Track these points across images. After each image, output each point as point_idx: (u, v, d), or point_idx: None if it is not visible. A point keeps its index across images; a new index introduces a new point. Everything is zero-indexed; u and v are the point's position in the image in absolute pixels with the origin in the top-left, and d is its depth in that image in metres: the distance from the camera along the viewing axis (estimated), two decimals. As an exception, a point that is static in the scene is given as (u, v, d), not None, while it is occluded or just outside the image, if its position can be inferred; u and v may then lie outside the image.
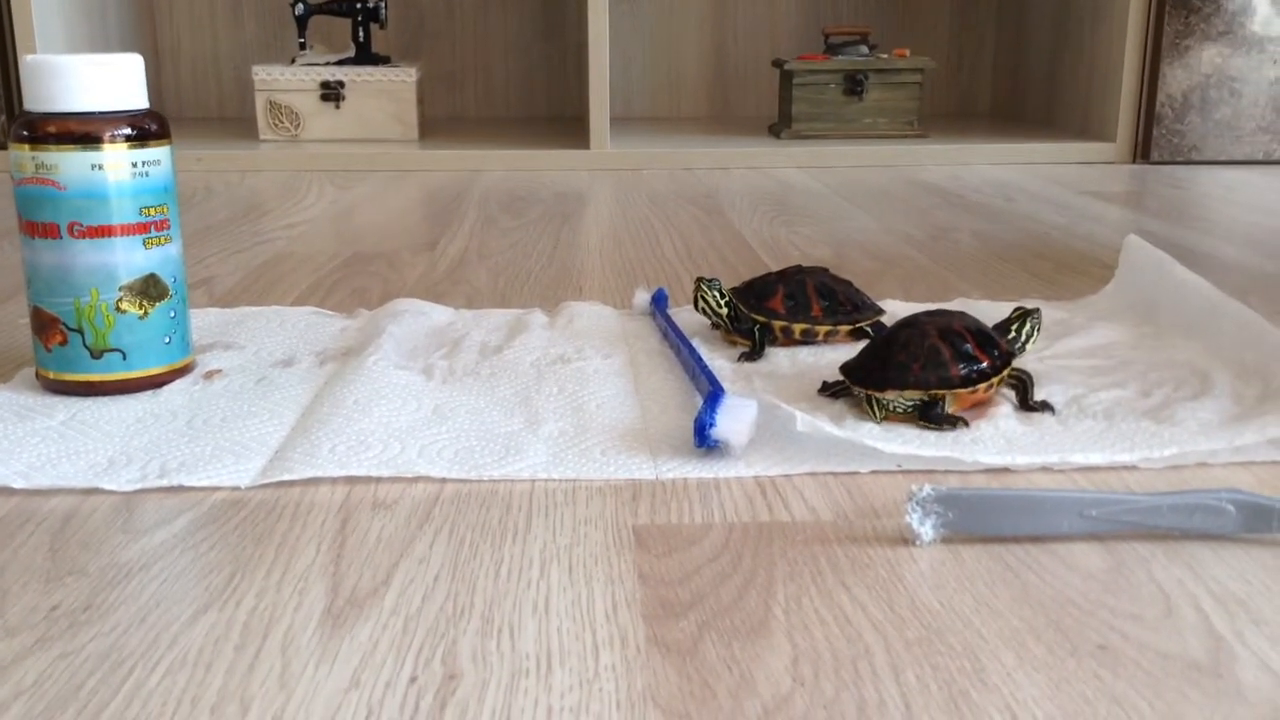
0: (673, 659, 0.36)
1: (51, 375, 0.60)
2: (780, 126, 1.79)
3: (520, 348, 0.68)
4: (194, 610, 0.39)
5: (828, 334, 0.68)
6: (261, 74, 1.68)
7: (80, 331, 0.59)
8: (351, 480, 0.50)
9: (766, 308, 0.67)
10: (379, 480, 0.50)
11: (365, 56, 1.74)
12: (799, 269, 0.71)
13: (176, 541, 0.44)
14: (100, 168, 0.58)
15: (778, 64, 1.77)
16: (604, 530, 0.45)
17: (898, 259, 0.99)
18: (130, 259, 0.59)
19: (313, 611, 0.38)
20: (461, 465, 0.51)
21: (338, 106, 1.69)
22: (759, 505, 0.48)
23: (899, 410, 0.56)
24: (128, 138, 0.58)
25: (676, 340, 0.66)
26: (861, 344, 0.69)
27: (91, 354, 0.59)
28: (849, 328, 0.69)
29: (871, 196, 1.35)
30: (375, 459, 0.51)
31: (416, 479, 0.50)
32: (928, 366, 0.55)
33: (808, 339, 0.68)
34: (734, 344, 0.69)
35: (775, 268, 0.96)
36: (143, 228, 0.59)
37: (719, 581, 0.41)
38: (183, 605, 0.39)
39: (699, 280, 0.69)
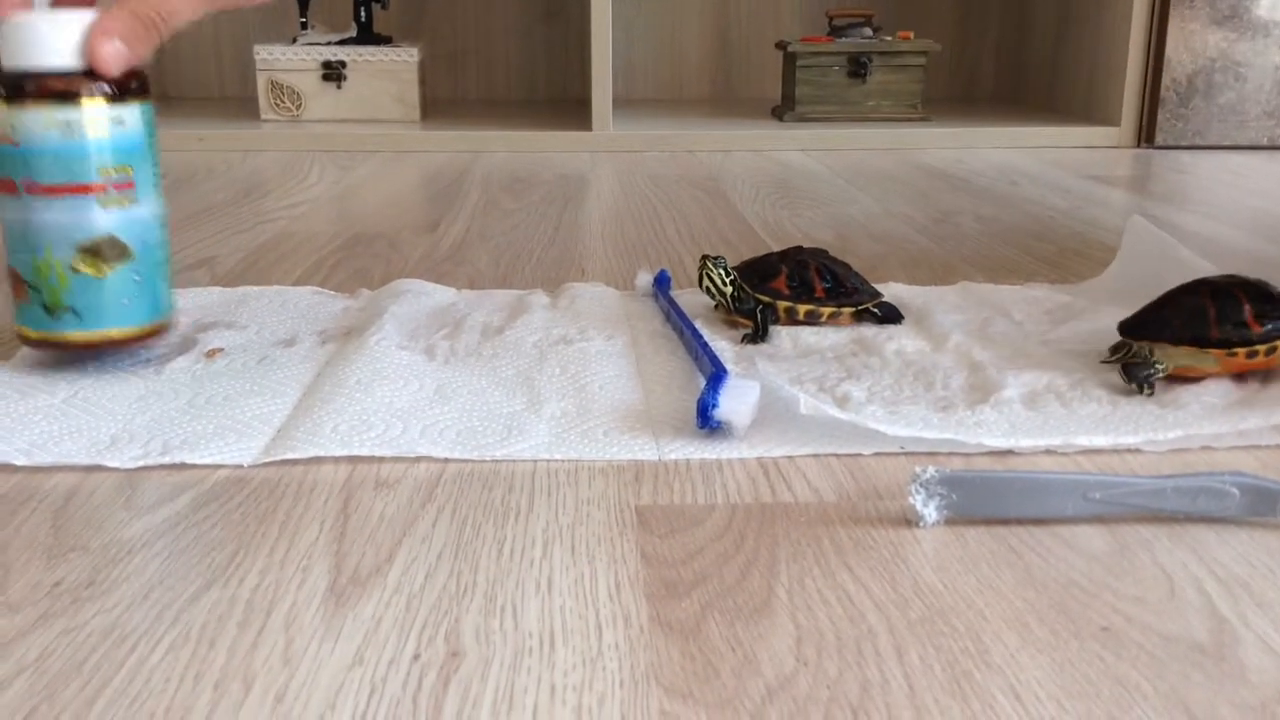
0: (676, 638, 0.36)
1: (19, 329, 0.60)
2: (783, 109, 1.78)
3: (522, 328, 0.67)
4: (197, 587, 0.39)
5: (831, 315, 0.68)
6: (263, 54, 1.67)
7: (37, 289, 0.58)
8: (354, 459, 0.50)
9: (770, 288, 0.67)
10: (381, 460, 0.50)
11: (367, 36, 1.73)
12: (800, 250, 0.71)
13: (179, 519, 0.44)
14: (52, 126, 0.56)
15: (781, 46, 1.76)
16: (607, 510, 0.45)
17: (901, 242, 0.99)
18: (85, 219, 0.58)
19: (316, 589, 0.38)
20: (464, 445, 0.51)
21: (339, 86, 1.69)
22: (762, 486, 0.48)
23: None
24: (79, 95, 0.57)
25: (679, 321, 0.66)
26: (863, 326, 0.69)
27: (47, 311, 0.59)
28: (852, 309, 0.68)
29: (874, 179, 1.35)
30: (378, 438, 0.51)
31: (420, 458, 0.50)
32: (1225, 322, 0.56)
33: (811, 320, 0.68)
34: (735, 325, 0.69)
35: (778, 250, 0.95)
36: (99, 187, 0.58)
37: (722, 562, 0.41)
38: (186, 582, 0.39)
39: (704, 258, 0.68)
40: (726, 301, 0.68)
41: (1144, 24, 1.63)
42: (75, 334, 0.59)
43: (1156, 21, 1.63)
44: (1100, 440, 0.51)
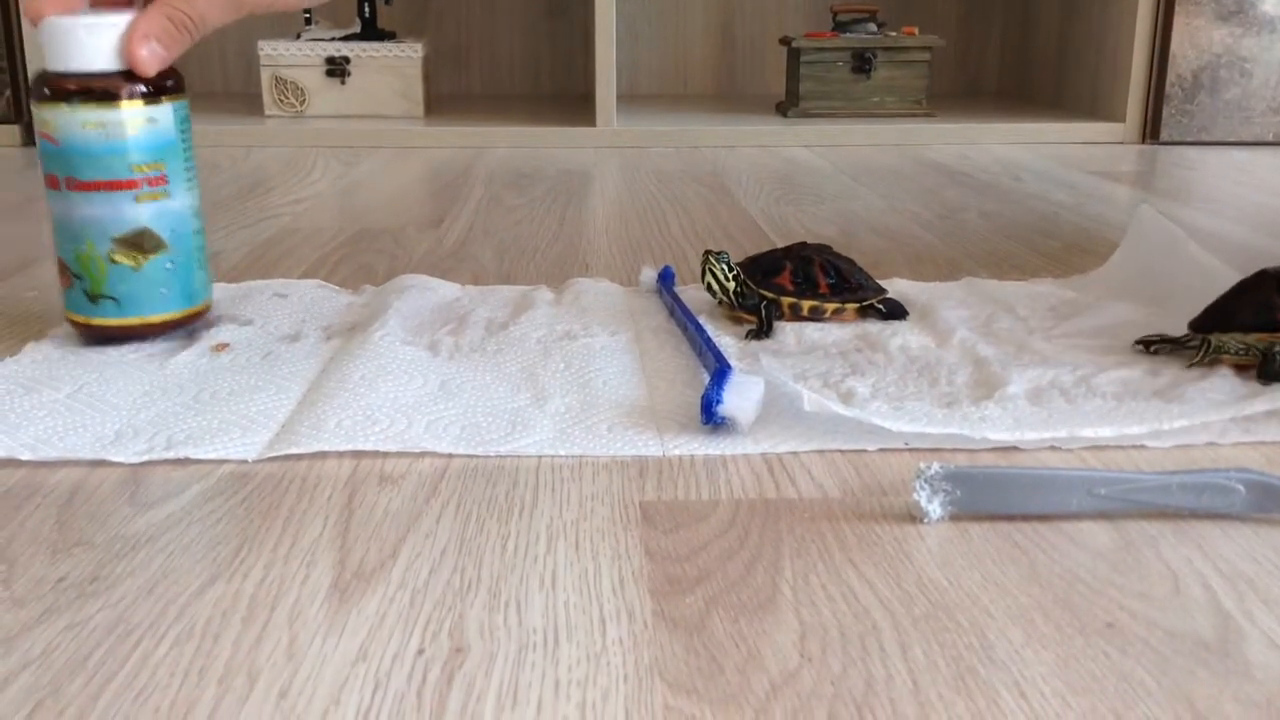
0: (680, 634, 0.36)
1: (66, 313, 0.64)
2: (788, 105, 1.78)
3: (526, 324, 0.67)
4: (201, 582, 0.39)
5: (835, 311, 0.68)
6: (267, 49, 1.67)
7: (80, 277, 0.62)
8: (358, 455, 0.50)
9: (775, 284, 0.67)
10: (385, 455, 0.50)
11: (371, 32, 1.73)
12: (804, 246, 0.71)
13: (184, 514, 0.44)
14: (87, 125, 0.60)
15: (785, 42, 1.76)
16: (611, 506, 0.45)
17: (905, 238, 0.99)
18: (120, 213, 0.61)
19: (320, 584, 0.38)
20: (468, 441, 0.51)
21: (343, 82, 1.68)
22: (766, 482, 0.48)
23: (1232, 352, 0.57)
24: (115, 96, 0.60)
25: (683, 317, 0.66)
26: (868, 322, 0.69)
27: (89, 298, 0.63)
28: (856, 305, 0.68)
29: (879, 175, 1.35)
30: (382, 434, 0.51)
31: (423, 454, 0.50)
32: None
33: (815, 316, 0.68)
34: (739, 321, 0.69)
35: (782, 246, 0.95)
36: (133, 183, 0.61)
37: (726, 558, 0.41)
38: (190, 577, 0.39)
39: (707, 253, 0.68)
40: (730, 298, 0.68)
41: (1149, 20, 1.62)
42: (115, 320, 0.63)
43: (1161, 17, 1.62)
44: (1105, 432, 0.51)
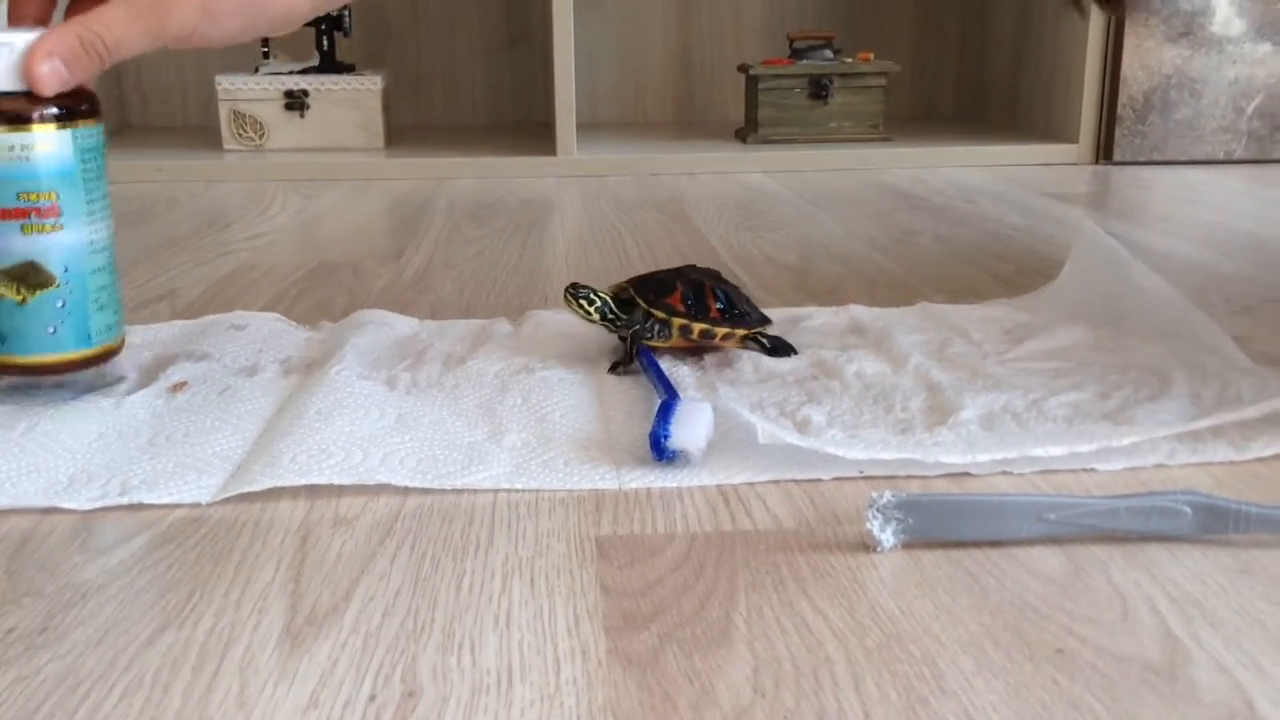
0: (634, 672, 0.36)
1: None
2: (746, 131, 1.79)
3: (484, 358, 0.67)
4: (151, 631, 0.38)
5: (724, 336, 0.67)
6: (224, 83, 1.67)
7: None
8: (313, 496, 0.50)
9: (667, 304, 0.66)
10: (340, 496, 0.50)
11: (330, 65, 1.73)
12: (694, 268, 0.71)
13: (135, 561, 0.44)
14: None
15: (743, 69, 1.78)
16: (566, 542, 0.45)
17: (862, 263, 1.00)
18: (6, 244, 0.57)
19: (271, 630, 0.38)
20: (424, 474, 0.51)
21: (302, 115, 1.68)
22: (722, 514, 0.48)
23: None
24: (1, 119, 0.56)
25: (639, 349, 0.66)
26: (748, 352, 0.68)
27: None
28: (744, 333, 0.68)
29: (837, 200, 1.36)
30: (337, 466, 0.51)
31: (379, 493, 0.50)
32: None
33: (705, 339, 0.67)
34: (653, 349, 0.67)
35: (743, 274, 0.96)
36: (20, 213, 0.57)
37: (681, 592, 0.41)
38: (140, 626, 0.39)
39: (567, 290, 0.67)
40: (608, 324, 0.67)
41: (1100, 42, 1.65)
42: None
43: (1112, 39, 1.65)
44: (1055, 450, 0.51)
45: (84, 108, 0.59)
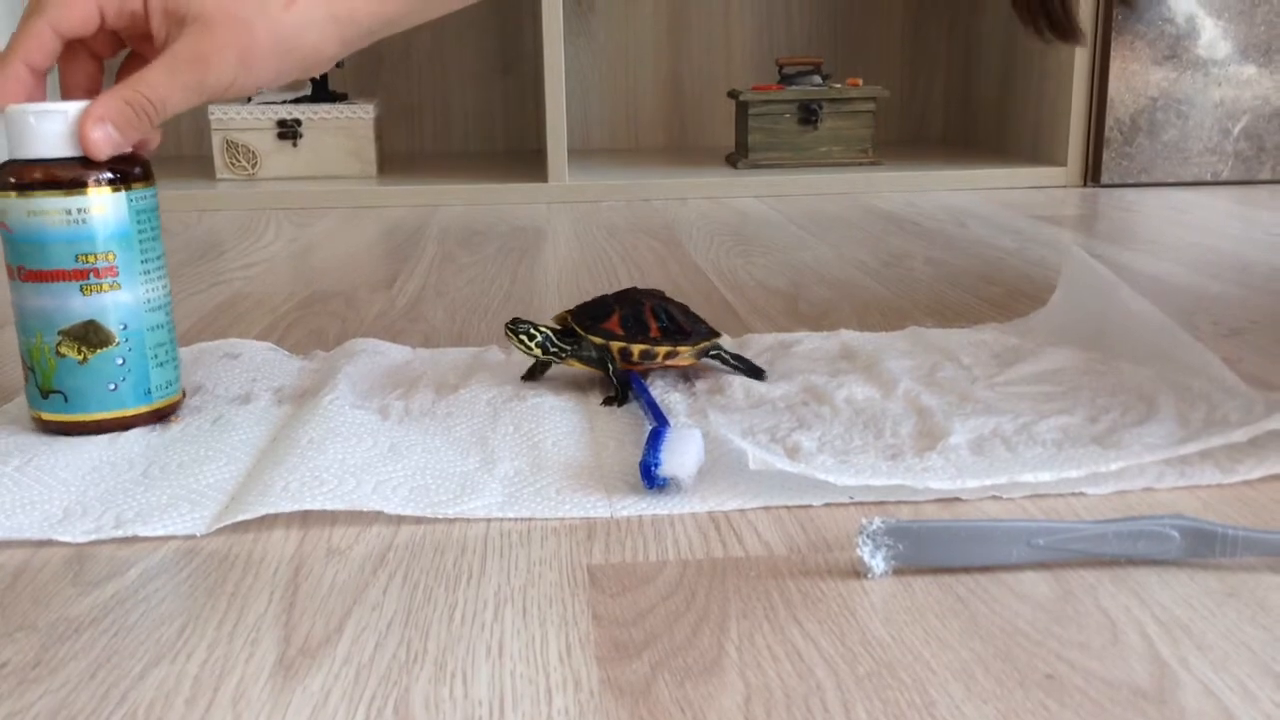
0: (626, 701, 0.36)
1: (30, 408, 0.62)
2: (737, 156, 1.80)
3: (476, 386, 0.68)
4: (144, 664, 0.38)
5: (668, 355, 0.67)
6: (217, 113, 1.68)
7: (33, 370, 0.61)
8: (306, 526, 0.50)
9: (604, 329, 0.66)
10: (333, 526, 0.50)
11: (322, 94, 1.74)
12: (635, 290, 0.71)
13: (128, 594, 0.44)
14: (33, 214, 0.59)
15: (733, 95, 1.79)
16: (559, 571, 0.45)
17: (853, 287, 1.00)
18: (66, 305, 0.59)
19: (264, 663, 0.38)
20: (417, 502, 0.51)
21: (295, 144, 1.69)
22: (713, 541, 0.48)
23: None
24: (62, 184, 0.58)
25: (631, 376, 0.67)
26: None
27: (40, 393, 0.61)
28: (690, 348, 0.68)
29: (827, 224, 1.36)
30: (329, 494, 0.51)
31: (372, 523, 0.50)
32: None
33: (646, 359, 0.67)
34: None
35: (733, 300, 0.97)
36: (79, 274, 0.59)
37: (673, 620, 0.41)
38: (133, 660, 0.39)
39: (506, 327, 0.67)
40: (552, 357, 0.67)
41: (1087, 65, 1.67)
42: (63, 416, 0.61)
43: (1099, 62, 1.66)
44: (1044, 476, 0.52)
45: (137, 171, 0.61)
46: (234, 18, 0.59)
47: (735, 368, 0.70)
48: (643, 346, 0.66)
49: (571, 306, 0.70)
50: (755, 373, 0.70)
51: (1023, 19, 0.66)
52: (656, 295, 0.71)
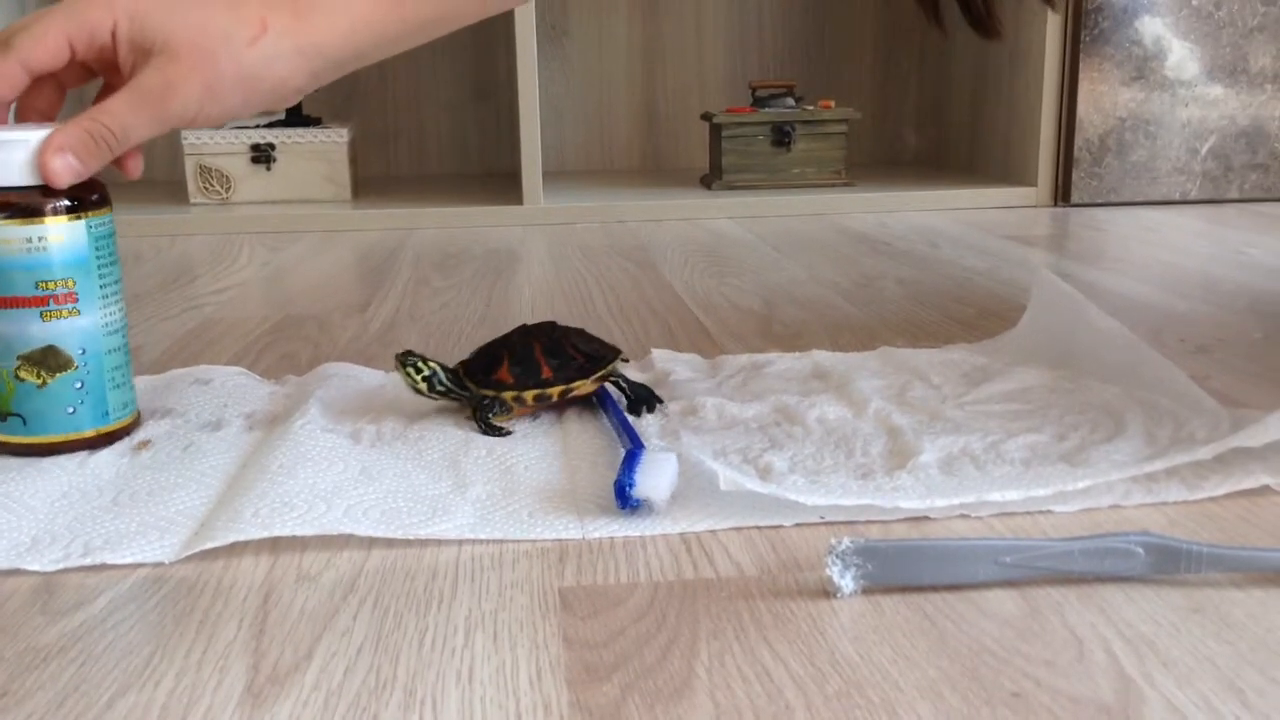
0: (595, 724, 0.36)
1: None
2: (711, 178, 1.81)
3: (449, 410, 0.68)
4: (112, 693, 0.38)
5: (563, 394, 0.66)
6: (190, 137, 1.67)
7: None
8: (276, 552, 0.50)
9: (495, 380, 0.65)
10: (304, 551, 0.50)
11: (296, 118, 1.74)
12: (524, 329, 0.69)
13: (96, 623, 0.43)
14: None
15: (706, 117, 1.80)
16: (530, 594, 0.45)
17: (825, 308, 1.01)
18: (26, 331, 0.60)
19: (233, 690, 0.38)
20: (388, 525, 0.51)
21: (269, 168, 1.69)
22: (684, 562, 0.48)
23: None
24: (20, 211, 0.59)
25: (601, 397, 0.67)
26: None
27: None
28: (584, 381, 0.66)
29: (800, 246, 1.37)
30: (299, 519, 0.51)
31: (342, 548, 0.50)
32: None
33: (542, 403, 0.66)
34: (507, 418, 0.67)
35: (707, 321, 0.97)
36: (39, 301, 0.60)
37: (643, 642, 0.41)
38: (101, 689, 0.39)
39: (397, 356, 0.66)
40: (432, 394, 0.66)
41: (1055, 86, 1.68)
42: (21, 438, 0.61)
43: (1068, 83, 1.68)
44: (1012, 494, 0.52)
45: (94, 198, 0.61)
46: (199, 49, 0.59)
47: (629, 397, 0.68)
48: (535, 391, 0.65)
49: (468, 355, 0.68)
50: (647, 402, 0.68)
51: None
52: (547, 331, 0.69)
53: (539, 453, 0.61)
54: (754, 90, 1.81)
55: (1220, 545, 0.45)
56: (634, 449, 0.56)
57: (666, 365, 0.78)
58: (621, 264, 1.27)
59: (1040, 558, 0.44)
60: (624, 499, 0.52)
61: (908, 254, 1.30)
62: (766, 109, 1.78)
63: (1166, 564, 0.45)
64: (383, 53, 0.64)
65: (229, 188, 1.68)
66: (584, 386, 0.67)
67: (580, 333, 0.70)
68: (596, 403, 0.68)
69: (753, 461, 0.59)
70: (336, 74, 0.64)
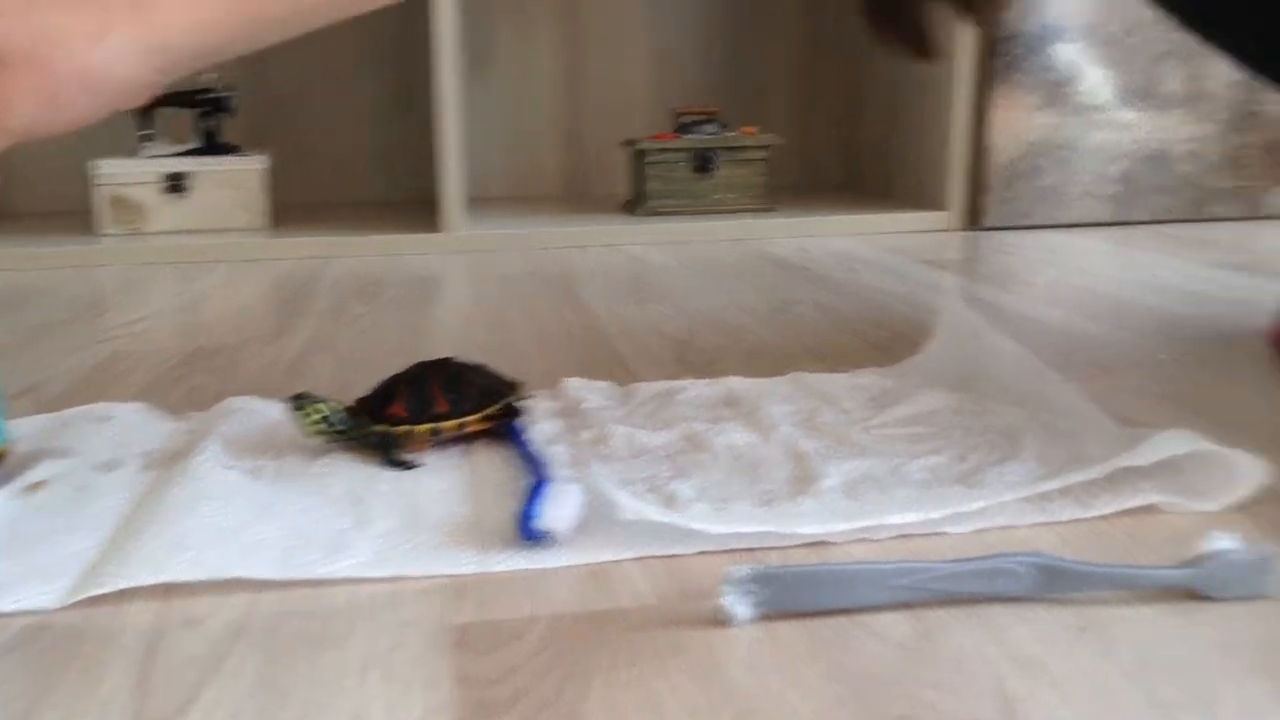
0: (483, 762, 0.35)
1: None
2: (635, 204, 1.82)
3: (356, 444, 0.67)
4: (-16, 746, 0.37)
5: (459, 428, 0.66)
6: (103, 167, 1.64)
7: None
8: (166, 596, 0.48)
9: (389, 415, 0.65)
10: (194, 595, 0.49)
11: (212, 146, 1.72)
12: (422, 366, 0.69)
13: (-27, 672, 0.42)
14: None
15: (629, 143, 1.81)
16: (426, 631, 0.45)
17: (742, 334, 1.01)
18: None
19: (112, 739, 0.37)
20: (285, 565, 0.50)
21: (183, 197, 1.66)
22: (586, 593, 0.48)
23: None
24: None
25: (511, 430, 0.67)
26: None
27: None
28: (477, 417, 0.67)
29: (722, 271, 1.38)
30: (191, 562, 0.50)
31: (234, 590, 0.49)
32: None
33: (436, 436, 0.66)
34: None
35: (624, 349, 0.97)
36: None
37: (539, 677, 0.41)
38: (-27, 742, 0.37)
39: (288, 400, 0.66)
40: (329, 434, 0.66)
41: (966, 111, 1.72)
42: None
43: (979, 108, 1.72)
44: (910, 517, 0.53)
45: None
46: (32, 59, 0.57)
47: (518, 447, 0.67)
48: (429, 426, 0.65)
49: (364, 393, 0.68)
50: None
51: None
52: (443, 367, 0.69)
53: (445, 486, 0.60)
54: (678, 116, 1.83)
55: (1107, 563, 0.46)
56: (539, 480, 0.56)
57: (578, 394, 0.78)
58: (544, 291, 1.27)
59: (931, 580, 0.45)
60: (527, 531, 0.52)
61: (826, 279, 1.31)
62: (689, 135, 1.79)
63: (1056, 583, 0.46)
64: (237, 49, 0.62)
65: (142, 218, 1.65)
66: (474, 423, 0.66)
67: (479, 368, 0.70)
68: (506, 435, 0.68)
69: (659, 490, 0.59)
70: (189, 69, 0.61)
